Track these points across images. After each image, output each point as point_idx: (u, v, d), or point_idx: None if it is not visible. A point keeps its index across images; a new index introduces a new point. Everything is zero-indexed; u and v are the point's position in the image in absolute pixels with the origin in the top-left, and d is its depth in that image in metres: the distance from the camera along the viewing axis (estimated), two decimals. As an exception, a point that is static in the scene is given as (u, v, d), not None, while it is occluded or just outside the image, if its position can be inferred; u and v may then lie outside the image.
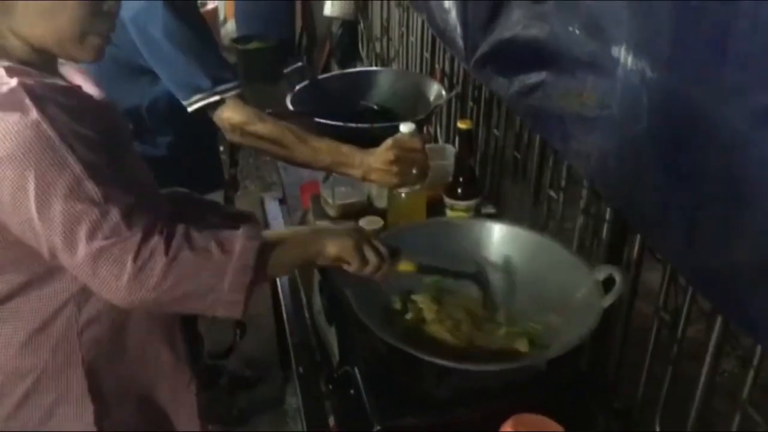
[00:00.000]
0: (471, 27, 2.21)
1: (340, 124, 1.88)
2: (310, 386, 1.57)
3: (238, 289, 1.05)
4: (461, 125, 1.51)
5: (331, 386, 1.37)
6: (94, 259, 1.00)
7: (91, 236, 1.00)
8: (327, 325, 1.50)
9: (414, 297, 1.39)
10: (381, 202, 1.73)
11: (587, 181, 1.65)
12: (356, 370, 1.33)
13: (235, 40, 5.36)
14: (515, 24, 1.88)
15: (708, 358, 1.30)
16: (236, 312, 1.07)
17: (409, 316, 1.36)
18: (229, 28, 6.10)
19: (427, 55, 2.98)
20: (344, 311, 1.33)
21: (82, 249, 1.00)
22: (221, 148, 4.40)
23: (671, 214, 1.28)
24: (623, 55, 1.39)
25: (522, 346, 1.29)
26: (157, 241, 1.02)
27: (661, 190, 1.31)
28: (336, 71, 2.38)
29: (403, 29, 3.34)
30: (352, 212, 1.73)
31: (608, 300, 1.22)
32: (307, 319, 1.68)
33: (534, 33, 1.77)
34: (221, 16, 6.09)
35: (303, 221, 1.90)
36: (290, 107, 1.98)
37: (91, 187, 1.00)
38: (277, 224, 2.10)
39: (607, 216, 1.61)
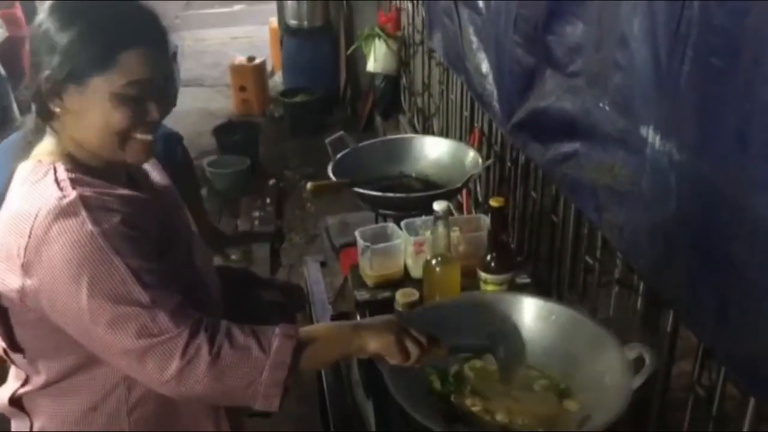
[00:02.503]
0: (507, 93, 2.25)
1: (379, 194, 1.95)
2: (348, 459, 1.60)
3: (274, 384, 1.12)
4: (493, 203, 1.54)
5: (367, 462, 1.40)
6: (143, 355, 1.09)
7: (140, 335, 1.08)
8: (365, 398, 1.54)
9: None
10: (418, 273, 1.77)
11: (620, 254, 1.67)
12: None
13: (282, 93, 5.55)
14: (549, 94, 1.92)
15: None
16: (273, 405, 1.14)
17: (449, 391, 1.39)
18: (276, 80, 6.31)
19: (466, 113, 3.04)
20: (381, 387, 1.36)
21: (131, 346, 1.08)
22: (267, 201, 4.56)
23: (701, 295, 1.29)
24: (651, 135, 1.41)
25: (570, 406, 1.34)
26: (202, 338, 1.10)
27: (690, 272, 1.32)
28: (376, 139, 2.44)
29: (443, 87, 3.41)
30: (389, 282, 1.78)
31: (637, 381, 1.24)
32: (346, 389, 1.72)
33: (567, 105, 1.81)
34: (269, 68, 6.30)
35: (343, 288, 1.95)
36: (332, 177, 2.06)
37: (139, 292, 1.09)
38: (318, 288, 2.16)
39: (641, 289, 1.63)
